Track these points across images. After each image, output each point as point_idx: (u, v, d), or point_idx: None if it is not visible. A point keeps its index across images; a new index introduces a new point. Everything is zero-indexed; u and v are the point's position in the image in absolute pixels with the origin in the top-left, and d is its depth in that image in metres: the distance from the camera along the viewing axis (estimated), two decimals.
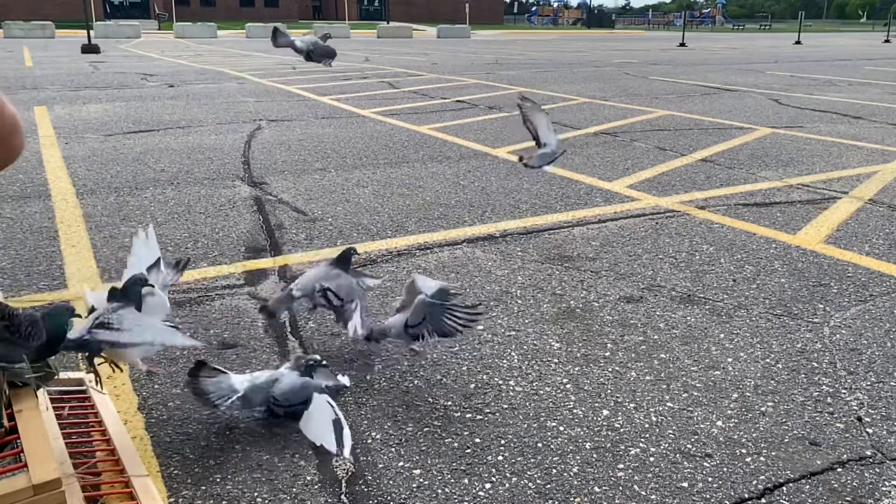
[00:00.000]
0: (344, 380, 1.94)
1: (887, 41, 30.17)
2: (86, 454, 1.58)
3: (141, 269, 1.81)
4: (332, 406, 1.65)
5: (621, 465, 1.72)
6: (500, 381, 2.10)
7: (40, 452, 1.11)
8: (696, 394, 2.04)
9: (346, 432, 1.59)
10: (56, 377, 1.53)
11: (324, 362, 1.82)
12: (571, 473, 1.68)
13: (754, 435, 1.84)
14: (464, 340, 2.32)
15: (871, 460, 1.74)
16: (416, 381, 2.09)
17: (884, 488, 1.63)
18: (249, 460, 1.71)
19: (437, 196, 4.23)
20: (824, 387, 2.09)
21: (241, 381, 1.76)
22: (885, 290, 2.84)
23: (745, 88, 10.50)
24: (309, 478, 1.66)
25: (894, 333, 2.44)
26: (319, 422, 1.63)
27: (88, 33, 18.29)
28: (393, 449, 1.77)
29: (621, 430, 1.86)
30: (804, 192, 4.41)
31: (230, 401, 1.72)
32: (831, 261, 3.18)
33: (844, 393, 2.05)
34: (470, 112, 7.77)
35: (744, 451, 1.77)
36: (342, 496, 1.60)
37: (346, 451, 1.57)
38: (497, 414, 1.93)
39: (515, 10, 78.82)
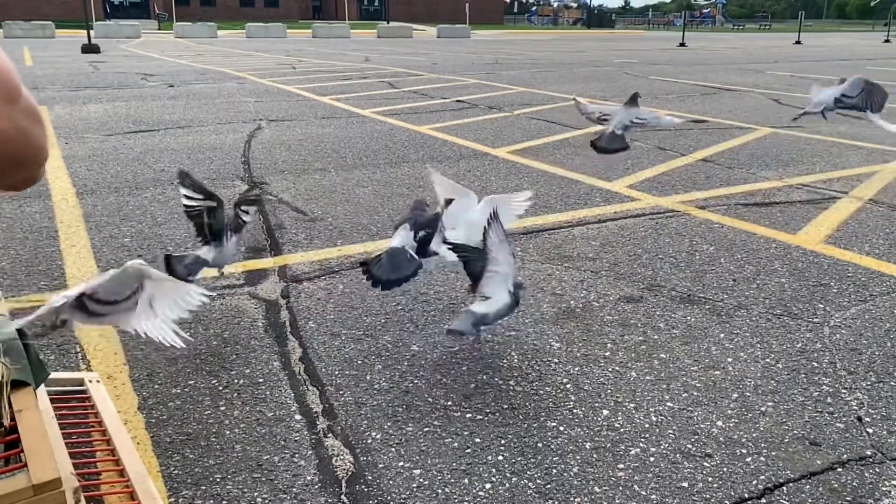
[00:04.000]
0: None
1: (887, 41, 30.17)
2: (86, 454, 1.58)
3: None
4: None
5: (621, 465, 1.72)
6: (500, 381, 2.10)
7: (40, 452, 1.11)
8: (696, 394, 2.04)
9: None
10: (49, 376, 1.53)
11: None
12: (571, 473, 1.68)
13: (754, 435, 1.84)
14: (464, 340, 2.32)
15: (871, 460, 1.74)
16: (416, 381, 2.09)
17: (884, 488, 1.63)
18: (249, 460, 1.72)
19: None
20: (824, 387, 2.09)
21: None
22: (885, 290, 2.84)
23: (745, 88, 10.50)
24: (309, 478, 1.66)
25: (894, 333, 2.44)
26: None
27: (88, 33, 18.28)
28: (393, 449, 1.77)
29: (621, 430, 1.86)
30: (804, 192, 4.41)
31: None
32: (831, 261, 3.18)
33: (844, 393, 2.05)
34: (470, 112, 7.77)
35: (744, 451, 1.77)
36: (342, 496, 1.60)
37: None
38: (497, 414, 1.93)
39: (515, 10, 78.73)
